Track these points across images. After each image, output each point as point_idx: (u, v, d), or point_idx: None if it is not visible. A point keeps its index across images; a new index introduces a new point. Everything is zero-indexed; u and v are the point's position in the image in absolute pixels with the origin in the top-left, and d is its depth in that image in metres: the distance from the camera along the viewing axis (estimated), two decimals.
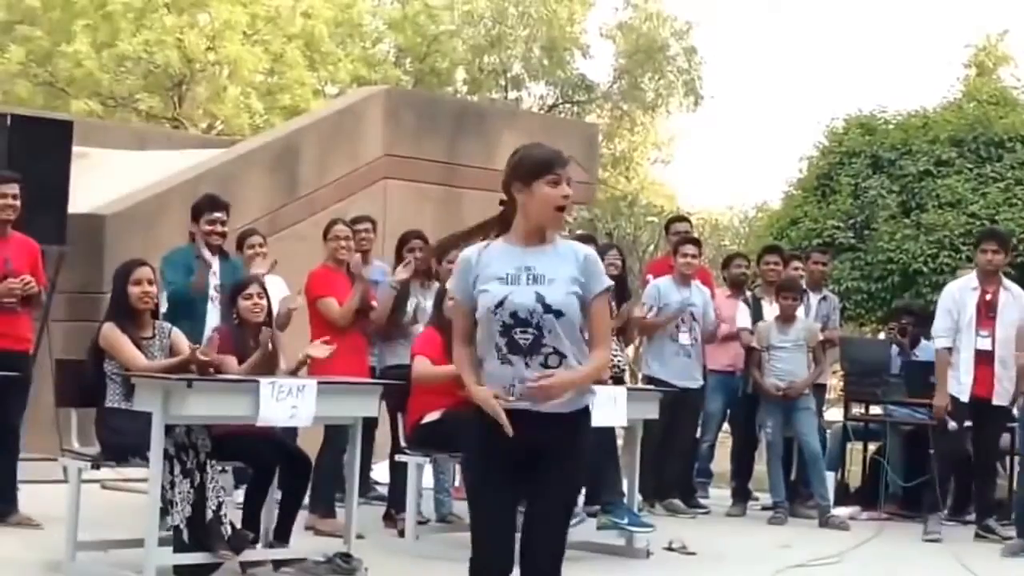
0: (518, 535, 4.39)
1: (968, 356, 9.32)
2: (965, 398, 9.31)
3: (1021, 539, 8.85)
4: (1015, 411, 9.38)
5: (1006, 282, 9.52)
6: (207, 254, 8.25)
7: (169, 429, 6.37)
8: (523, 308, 4.22)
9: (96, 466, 6.73)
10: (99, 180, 11.12)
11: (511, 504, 4.38)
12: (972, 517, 9.82)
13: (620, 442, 8.60)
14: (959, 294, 9.52)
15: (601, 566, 7.74)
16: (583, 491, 8.96)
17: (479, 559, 4.37)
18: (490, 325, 4.27)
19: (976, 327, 9.33)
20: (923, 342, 11.07)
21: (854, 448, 11.31)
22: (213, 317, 8.06)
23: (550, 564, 4.41)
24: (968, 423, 9.39)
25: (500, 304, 4.23)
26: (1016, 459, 9.74)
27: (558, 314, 4.24)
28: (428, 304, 8.92)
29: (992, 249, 9.47)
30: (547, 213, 4.28)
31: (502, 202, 4.40)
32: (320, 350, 7.23)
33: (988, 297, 9.37)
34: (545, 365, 4.24)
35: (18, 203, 7.96)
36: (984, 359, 9.29)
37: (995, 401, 9.27)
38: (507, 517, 4.36)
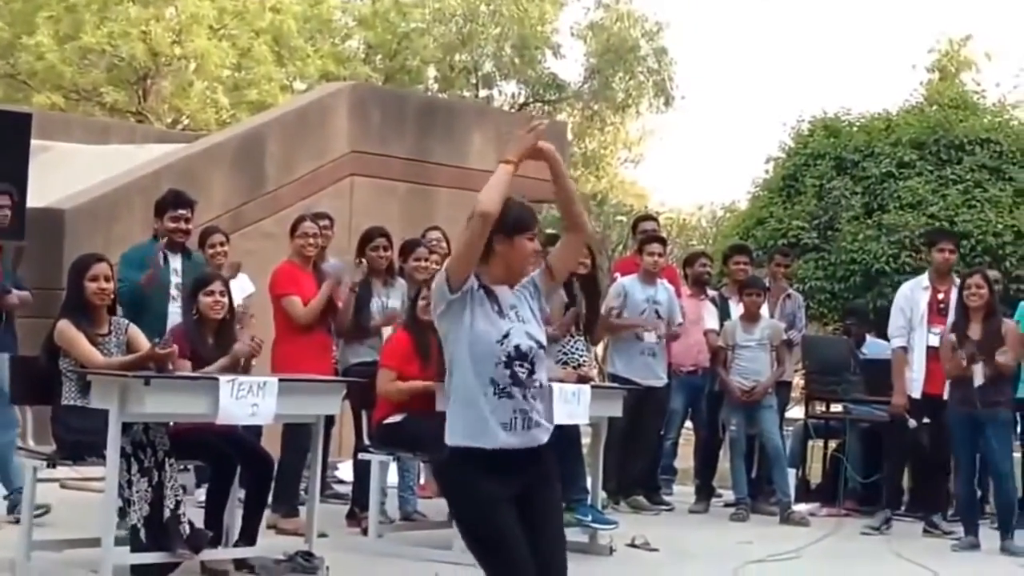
0: None
1: (920, 353, 9.41)
2: (916, 395, 9.42)
3: (969, 536, 8.93)
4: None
5: (957, 280, 9.57)
6: (160, 259, 8.11)
7: (126, 427, 6.26)
8: (523, 344, 4.42)
9: (52, 464, 6.61)
10: (59, 174, 10.99)
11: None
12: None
13: (586, 440, 8.56)
14: (911, 293, 9.66)
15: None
16: None
17: None
18: (491, 358, 4.38)
19: (928, 324, 9.41)
20: (868, 340, 11.36)
21: (815, 445, 11.35)
22: (175, 315, 7.95)
23: None
24: (926, 420, 9.44)
25: (505, 337, 4.41)
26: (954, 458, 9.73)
27: (544, 348, 4.50)
28: (391, 303, 8.85)
29: (949, 248, 9.65)
30: (521, 265, 4.54)
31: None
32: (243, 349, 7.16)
33: (940, 295, 9.44)
34: (534, 398, 4.44)
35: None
36: (936, 356, 9.32)
37: (946, 397, 9.27)
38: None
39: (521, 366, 4.39)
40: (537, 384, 4.44)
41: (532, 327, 4.48)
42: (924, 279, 9.73)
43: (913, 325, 9.48)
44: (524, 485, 4.41)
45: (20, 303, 8.33)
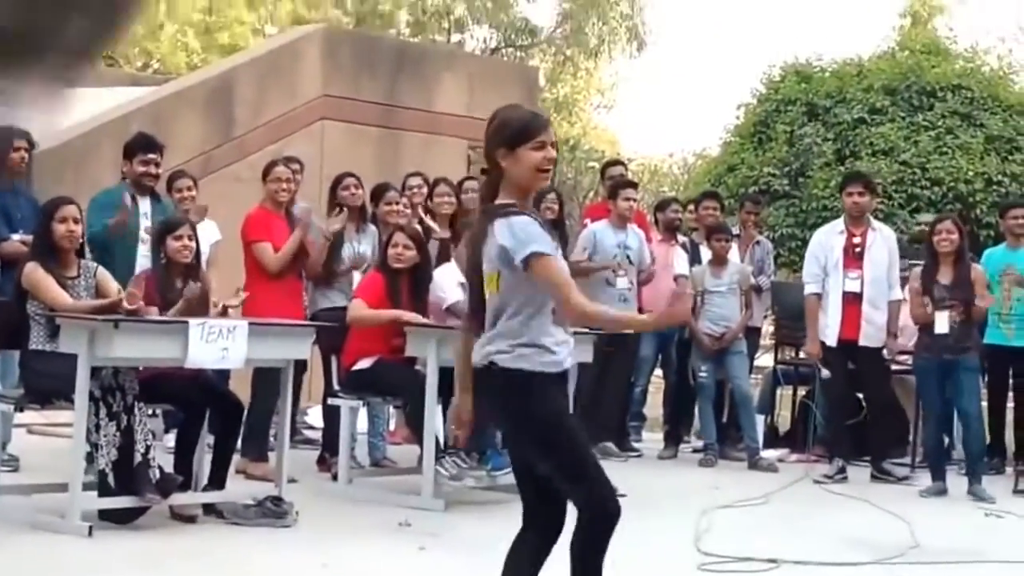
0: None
1: (836, 298, 9.40)
2: (832, 342, 9.40)
3: (937, 482, 8.98)
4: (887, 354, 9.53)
5: (875, 224, 9.63)
6: (129, 202, 8.03)
7: (95, 371, 6.24)
8: None
9: (20, 408, 6.58)
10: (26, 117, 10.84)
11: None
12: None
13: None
14: (826, 239, 9.63)
15: None
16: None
17: (607, 488, 4.26)
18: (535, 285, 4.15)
19: (844, 269, 9.39)
20: None
21: (784, 392, 11.39)
22: (143, 259, 7.89)
23: None
24: (851, 366, 9.45)
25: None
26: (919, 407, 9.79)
27: None
28: (363, 249, 8.81)
29: (858, 191, 9.54)
30: (531, 179, 4.15)
31: (484, 171, 4.30)
32: (233, 300, 7.12)
33: (856, 240, 9.42)
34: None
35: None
36: (852, 300, 9.35)
37: (862, 342, 9.32)
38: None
39: None
40: None
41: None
42: (839, 224, 9.65)
43: (828, 271, 9.43)
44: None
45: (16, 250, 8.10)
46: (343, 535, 6.59)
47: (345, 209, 8.66)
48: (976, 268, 9.16)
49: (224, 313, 7.01)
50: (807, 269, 9.65)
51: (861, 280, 9.29)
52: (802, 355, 10.87)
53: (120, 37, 1.89)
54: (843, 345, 9.36)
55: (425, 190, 9.61)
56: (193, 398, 6.84)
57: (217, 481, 6.81)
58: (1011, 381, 10.12)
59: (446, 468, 7.49)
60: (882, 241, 9.41)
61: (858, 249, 9.40)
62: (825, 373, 9.43)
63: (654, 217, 11.31)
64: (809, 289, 9.57)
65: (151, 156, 8.15)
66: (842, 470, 9.41)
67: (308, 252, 8.51)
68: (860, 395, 9.93)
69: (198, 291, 6.87)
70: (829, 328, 9.38)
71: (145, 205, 8.18)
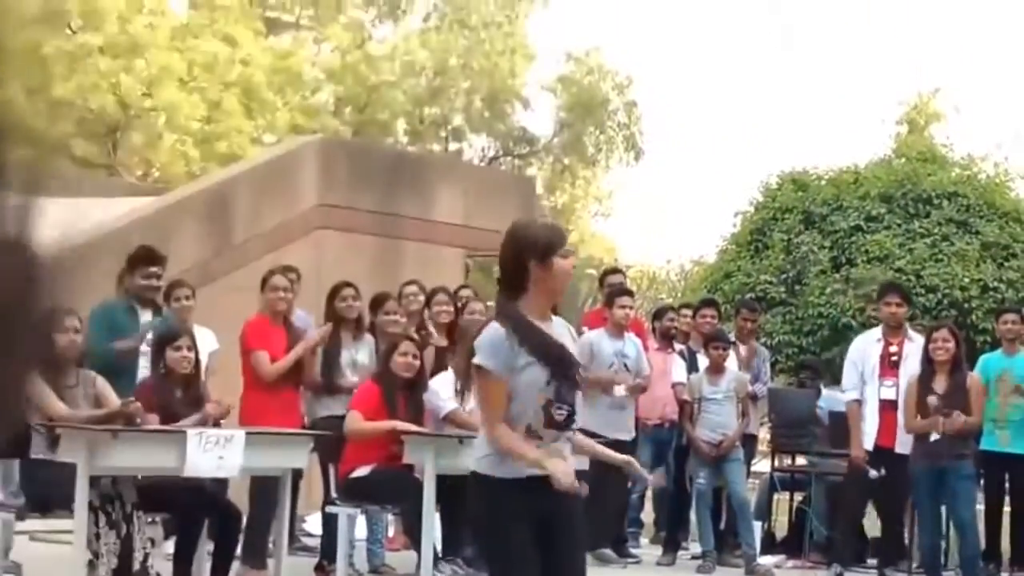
0: None
1: (873, 406, 9.55)
2: (870, 447, 9.51)
3: None
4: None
5: (911, 333, 9.73)
6: (147, 332, 8.17)
7: (94, 480, 6.34)
8: (565, 387, 4.40)
9: (21, 517, 6.68)
10: None
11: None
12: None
13: None
14: (863, 346, 9.82)
15: None
16: None
17: None
18: (530, 402, 4.35)
19: (880, 377, 9.54)
20: (824, 393, 11.44)
21: (780, 498, 11.45)
22: (144, 370, 8.00)
23: None
24: (883, 471, 9.56)
25: (548, 383, 4.36)
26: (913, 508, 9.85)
27: (580, 389, 4.53)
28: (359, 357, 8.93)
29: (896, 302, 9.73)
30: (562, 285, 4.48)
31: (499, 280, 4.53)
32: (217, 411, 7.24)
33: (892, 348, 9.57)
34: (568, 440, 4.48)
35: None
36: (888, 408, 9.47)
37: (898, 449, 9.42)
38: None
39: (559, 409, 4.39)
40: (576, 424, 4.47)
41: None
42: (876, 332, 9.86)
43: (865, 378, 9.61)
44: (544, 517, 4.42)
45: None
46: None
47: (330, 323, 8.78)
48: (972, 376, 9.27)
49: (217, 423, 7.13)
50: (846, 376, 9.83)
51: (896, 388, 9.40)
52: (802, 461, 10.99)
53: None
54: (879, 451, 9.48)
55: (422, 298, 9.76)
56: (191, 506, 6.94)
57: None
58: (1007, 487, 10.20)
59: (444, 574, 7.58)
60: (917, 350, 9.44)
61: (894, 358, 9.55)
62: (873, 473, 9.50)
63: (651, 325, 11.45)
64: (849, 396, 9.74)
65: (153, 269, 8.31)
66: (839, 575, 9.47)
67: (306, 365, 8.63)
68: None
69: (217, 415, 7.02)
70: (867, 435, 9.53)
71: (146, 317, 8.31)
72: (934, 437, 8.84)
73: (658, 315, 11.47)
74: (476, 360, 4.29)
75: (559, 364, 4.38)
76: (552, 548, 4.46)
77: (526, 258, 4.39)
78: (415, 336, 8.59)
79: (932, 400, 8.85)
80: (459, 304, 9.77)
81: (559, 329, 4.49)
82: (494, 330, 4.35)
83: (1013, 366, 10.06)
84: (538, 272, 4.38)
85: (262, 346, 8.53)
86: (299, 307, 9.24)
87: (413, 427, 7.82)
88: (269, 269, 9.10)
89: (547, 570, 4.44)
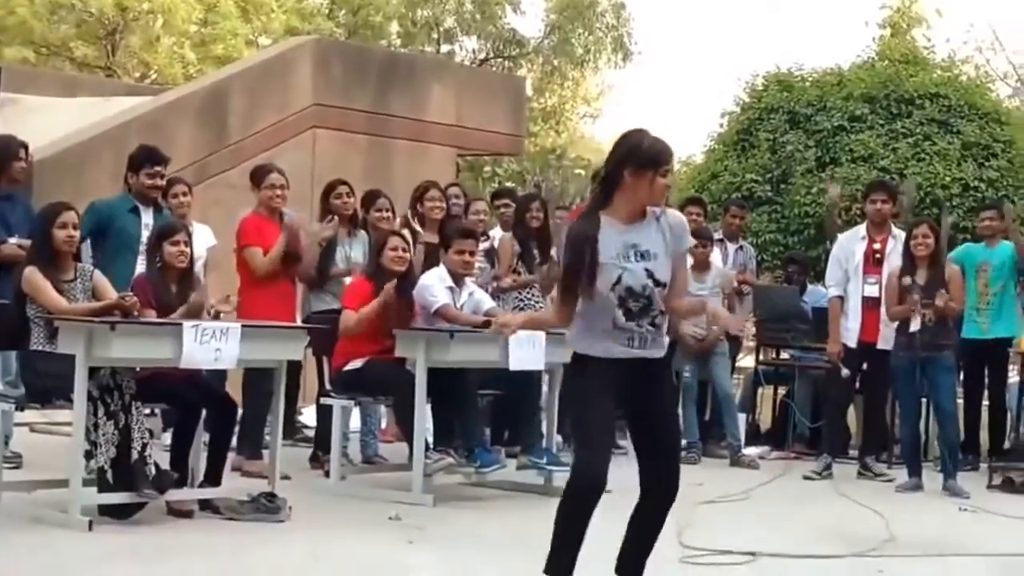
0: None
1: (856, 303, 9.52)
2: (852, 343, 9.51)
3: (913, 477, 9.06)
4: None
5: (895, 231, 9.67)
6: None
7: (93, 371, 6.30)
8: (637, 284, 4.60)
9: (20, 408, 6.64)
10: (28, 126, 10.90)
11: (613, 420, 4.80)
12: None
13: (545, 387, 8.58)
14: (848, 243, 9.75)
15: (520, 504, 7.78)
16: (505, 433, 9.05)
17: (596, 469, 4.67)
18: (607, 299, 4.61)
19: (864, 274, 9.50)
20: (809, 288, 11.50)
21: (765, 391, 11.48)
22: (143, 267, 7.92)
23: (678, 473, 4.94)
24: (865, 366, 9.57)
25: (617, 282, 4.58)
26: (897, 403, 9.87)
27: (664, 286, 4.67)
28: (354, 253, 8.88)
29: (881, 199, 9.66)
30: (654, 200, 4.64)
31: (597, 177, 4.86)
32: (225, 306, 7.18)
33: (876, 246, 9.53)
34: (652, 324, 4.68)
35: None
36: (871, 305, 9.44)
37: (880, 345, 9.41)
38: (613, 435, 4.85)
39: (635, 302, 4.59)
40: (656, 313, 4.65)
41: (654, 263, 4.61)
42: (861, 230, 9.78)
43: (849, 275, 9.56)
44: (636, 388, 4.70)
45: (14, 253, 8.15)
46: (335, 529, 6.65)
47: (336, 216, 8.72)
48: (951, 268, 9.28)
49: (217, 317, 7.06)
50: (830, 273, 9.77)
51: (879, 285, 9.37)
52: (786, 355, 11.01)
53: None
54: (862, 347, 9.46)
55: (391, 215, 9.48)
56: (189, 398, 6.90)
57: (213, 478, 6.87)
58: (986, 380, 10.23)
59: (433, 458, 7.58)
60: (901, 247, 9.45)
61: (878, 255, 9.51)
62: (845, 372, 9.50)
63: None
64: (831, 292, 9.69)
65: (157, 169, 8.25)
66: (828, 466, 9.49)
67: (301, 257, 8.56)
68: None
69: (201, 301, 6.95)
70: (850, 331, 9.49)
71: (148, 216, 8.24)
72: (914, 328, 8.84)
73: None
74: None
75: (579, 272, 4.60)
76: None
77: (624, 164, 4.56)
78: (403, 232, 8.51)
79: (906, 280, 8.85)
80: (449, 203, 9.69)
81: (651, 230, 4.65)
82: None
83: (992, 257, 10.18)
84: (631, 180, 4.56)
85: (257, 242, 8.48)
86: (291, 206, 9.15)
87: (397, 300, 7.77)
88: (260, 165, 9.00)
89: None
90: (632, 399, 4.76)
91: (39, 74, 18.89)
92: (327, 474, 8.07)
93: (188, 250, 7.06)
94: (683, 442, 10.39)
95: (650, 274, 4.60)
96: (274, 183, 8.55)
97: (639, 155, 4.56)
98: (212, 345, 6.43)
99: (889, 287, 9.10)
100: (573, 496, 4.65)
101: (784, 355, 11.16)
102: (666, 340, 4.79)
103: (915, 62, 19.75)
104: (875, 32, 29.68)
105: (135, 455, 6.39)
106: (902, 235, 9.43)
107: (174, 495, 6.65)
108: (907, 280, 8.86)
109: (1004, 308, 10.10)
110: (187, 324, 6.40)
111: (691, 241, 4.72)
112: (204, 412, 6.98)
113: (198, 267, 7.77)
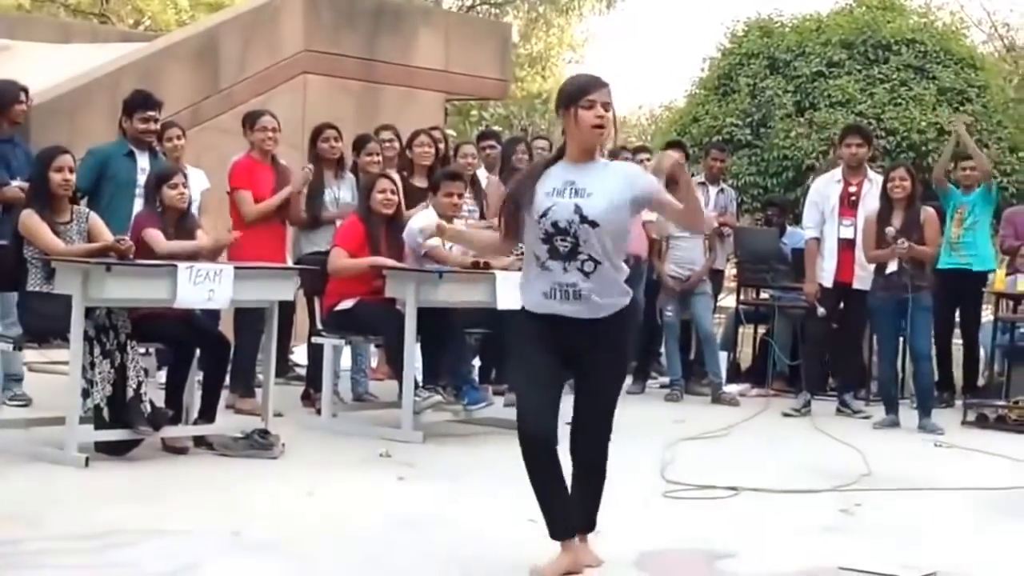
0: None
1: (832, 244, 9.50)
2: (828, 283, 9.51)
3: (890, 415, 9.08)
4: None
5: (871, 173, 9.65)
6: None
7: (89, 311, 6.27)
8: (563, 218, 4.42)
9: (19, 347, 6.61)
10: (22, 71, 10.77)
11: (558, 375, 4.57)
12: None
13: None
14: (824, 187, 9.71)
15: (508, 441, 7.59)
16: (492, 372, 9.03)
17: (528, 424, 4.48)
18: (534, 232, 4.50)
19: (839, 216, 9.47)
20: (789, 230, 11.48)
21: (745, 331, 11.48)
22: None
23: (600, 448, 4.68)
24: (841, 306, 9.57)
25: (543, 215, 4.45)
26: (874, 341, 9.88)
27: (593, 224, 4.42)
28: (342, 194, 8.82)
29: (856, 143, 9.60)
30: (585, 133, 4.47)
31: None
32: (227, 237, 7.17)
33: (851, 188, 9.50)
34: (581, 271, 4.45)
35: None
36: (847, 247, 9.42)
37: (856, 285, 9.41)
38: (555, 386, 4.54)
39: (562, 240, 4.43)
40: (585, 257, 4.43)
41: (586, 200, 4.41)
42: (837, 173, 9.72)
43: (825, 217, 9.52)
44: (573, 349, 4.50)
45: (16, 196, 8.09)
46: (327, 465, 6.64)
47: (309, 166, 8.63)
48: (927, 210, 9.25)
49: (217, 253, 7.06)
50: (806, 215, 9.73)
51: (855, 227, 9.35)
52: (766, 295, 11.00)
53: None
54: (838, 287, 9.45)
55: (397, 144, 9.60)
56: (183, 337, 6.89)
57: (207, 415, 6.87)
58: (958, 318, 10.26)
59: (422, 396, 7.57)
60: (876, 191, 9.37)
61: (853, 198, 9.47)
62: (821, 311, 9.50)
63: None
64: (808, 234, 9.66)
65: (151, 113, 8.17)
66: (808, 403, 9.50)
67: (290, 200, 8.52)
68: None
69: (227, 242, 7.09)
70: (826, 272, 9.48)
71: (144, 160, 8.18)
72: (892, 269, 8.84)
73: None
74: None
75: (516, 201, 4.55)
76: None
77: (558, 107, 4.53)
78: (392, 175, 8.45)
79: (889, 230, 8.84)
80: (439, 145, 9.63)
81: (596, 171, 4.50)
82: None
83: (968, 201, 10.27)
84: (565, 121, 4.50)
85: (247, 186, 8.44)
86: (282, 151, 9.07)
87: (392, 262, 7.73)
88: (252, 110, 8.92)
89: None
90: (571, 362, 4.58)
91: (33, 20, 18.69)
92: (319, 412, 8.07)
93: (187, 192, 7.07)
94: (666, 379, 10.46)
95: (578, 209, 4.40)
96: (266, 125, 8.49)
97: (562, 95, 4.53)
98: (205, 286, 6.41)
99: (867, 230, 9.08)
100: (524, 453, 4.48)
101: (764, 295, 11.15)
102: (608, 303, 4.50)
103: (892, 8, 19.59)
104: None
105: (131, 393, 6.38)
106: (878, 178, 9.40)
107: (169, 432, 6.64)
108: (890, 230, 8.83)
109: (979, 240, 10.21)
110: (181, 265, 6.38)
111: (654, 180, 4.50)
112: (198, 351, 6.96)
113: (193, 209, 7.72)
